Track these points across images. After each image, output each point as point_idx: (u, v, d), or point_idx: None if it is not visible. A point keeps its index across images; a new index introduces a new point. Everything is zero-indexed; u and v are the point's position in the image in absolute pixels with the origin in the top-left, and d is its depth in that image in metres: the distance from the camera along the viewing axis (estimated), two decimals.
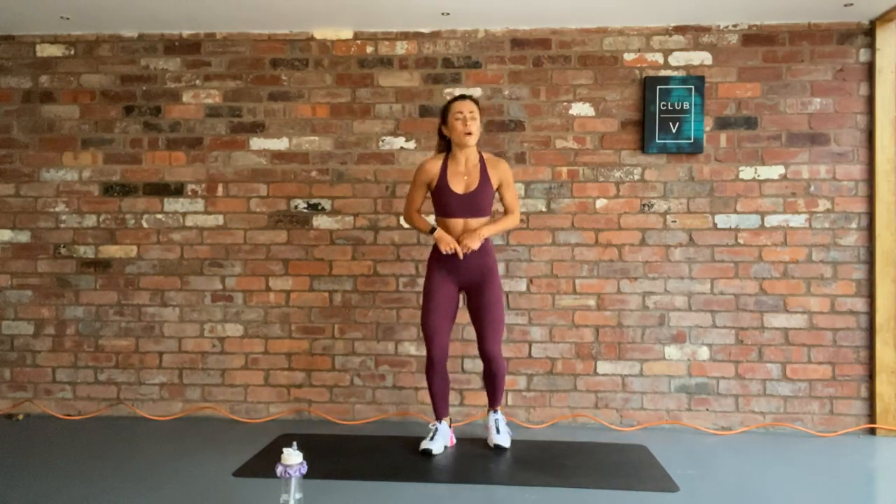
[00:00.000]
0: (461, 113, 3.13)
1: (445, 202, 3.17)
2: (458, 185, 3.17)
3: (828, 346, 3.69)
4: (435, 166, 3.22)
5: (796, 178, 3.72)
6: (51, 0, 3.48)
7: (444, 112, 3.20)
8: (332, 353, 3.85)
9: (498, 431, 3.25)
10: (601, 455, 3.21)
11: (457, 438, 3.38)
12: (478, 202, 3.16)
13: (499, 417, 3.30)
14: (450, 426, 3.30)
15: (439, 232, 3.18)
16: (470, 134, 3.13)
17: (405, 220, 3.40)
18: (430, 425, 3.28)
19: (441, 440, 3.19)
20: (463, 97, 3.22)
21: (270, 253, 3.87)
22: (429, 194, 3.28)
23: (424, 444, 3.15)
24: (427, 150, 3.81)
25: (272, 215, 3.88)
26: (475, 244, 3.11)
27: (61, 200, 3.93)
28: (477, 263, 3.17)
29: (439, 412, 3.26)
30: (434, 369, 3.20)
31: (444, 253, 3.13)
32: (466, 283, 3.21)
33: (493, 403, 3.31)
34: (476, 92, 3.80)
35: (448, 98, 3.36)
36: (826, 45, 3.70)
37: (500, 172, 3.22)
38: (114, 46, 3.92)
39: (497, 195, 3.30)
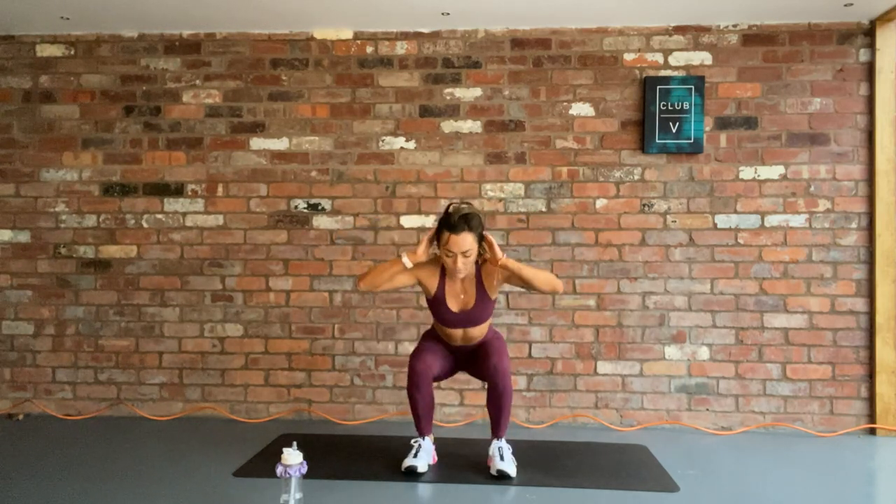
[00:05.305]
0: (452, 252, 2.81)
1: (442, 316, 2.99)
2: (454, 304, 2.96)
3: (828, 346, 3.69)
4: (434, 276, 2.97)
5: (796, 178, 3.71)
6: (51, 0, 3.48)
7: (439, 233, 2.86)
8: (332, 353, 3.85)
9: (502, 459, 2.90)
10: (601, 455, 3.21)
11: (457, 438, 3.38)
12: (474, 318, 2.97)
13: (503, 445, 2.95)
14: (433, 443, 3.08)
15: (406, 253, 2.93)
16: (460, 272, 2.88)
17: (366, 283, 2.94)
18: (412, 441, 3.01)
19: (425, 457, 2.95)
20: (460, 228, 2.79)
21: (270, 253, 3.87)
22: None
23: (408, 462, 2.90)
24: (427, 150, 3.82)
25: (272, 215, 3.87)
26: (499, 250, 2.88)
27: (61, 200, 3.93)
28: (476, 345, 3.05)
29: (423, 430, 3.01)
30: (417, 386, 2.91)
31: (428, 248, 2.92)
32: (464, 359, 3.08)
33: (497, 430, 2.96)
34: (476, 92, 3.80)
35: (449, 208, 2.90)
36: (826, 45, 3.70)
37: (497, 272, 2.93)
38: (114, 46, 3.92)
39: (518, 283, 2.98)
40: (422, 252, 2.92)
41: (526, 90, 3.80)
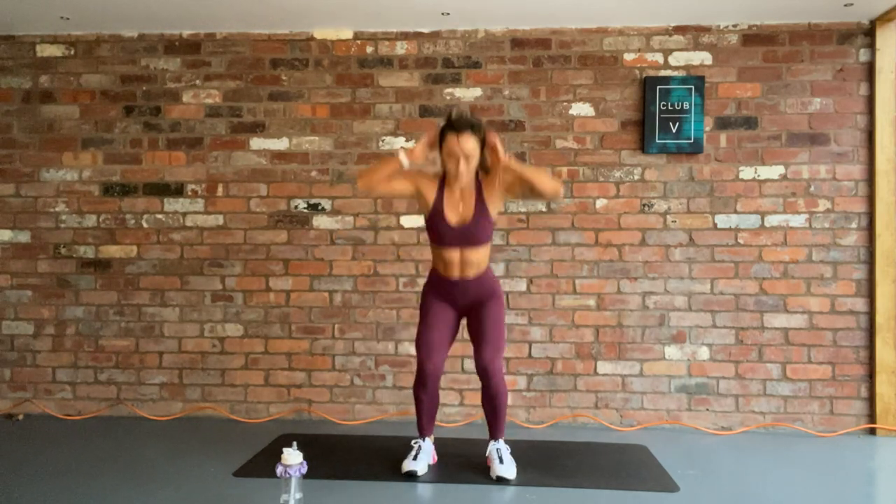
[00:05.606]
0: (454, 154, 2.77)
1: (440, 231, 2.87)
2: (452, 215, 2.85)
3: (828, 346, 3.69)
4: (433, 186, 2.89)
5: (796, 178, 3.71)
6: (51, 0, 3.48)
7: (442, 136, 2.82)
8: (332, 353, 3.85)
9: (501, 461, 2.87)
10: (601, 455, 3.21)
11: (457, 438, 3.37)
12: (473, 234, 2.85)
13: (501, 447, 2.92)
14: (433, 444, 3.06)
15: (403, 150, 2.84)
16: (462, 176, 2.81)
17: (363, 180, 2.86)
18: (412, 442, 3.00)
19: (425, 459, 2.94)
20: (463, 128, 2.76)
21: (270, 253, 3.87)
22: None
23: (408, 465, 2.89)
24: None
25: (272, 215, 3.87)
26: (502, 149, 2.79)
27: (61, 200, 3.93)
28: (477, 291, 2.92)
29: (424, 430, 3.00)
30: (424, 386, 2.90)
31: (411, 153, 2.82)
32: (466, 308, 2.96)
33: (494, 432, 2.95)
34: (476, 92, 3.80)
35: (451, 114, 2.86)
36: (826, 45, 3.70)
37: (497, 182, 2.85)
38: (114, 46, 3.92)
39: (520, 188, 2.87)
40: (419, 152, 2.85)
41: (526, 90, 3.80)
